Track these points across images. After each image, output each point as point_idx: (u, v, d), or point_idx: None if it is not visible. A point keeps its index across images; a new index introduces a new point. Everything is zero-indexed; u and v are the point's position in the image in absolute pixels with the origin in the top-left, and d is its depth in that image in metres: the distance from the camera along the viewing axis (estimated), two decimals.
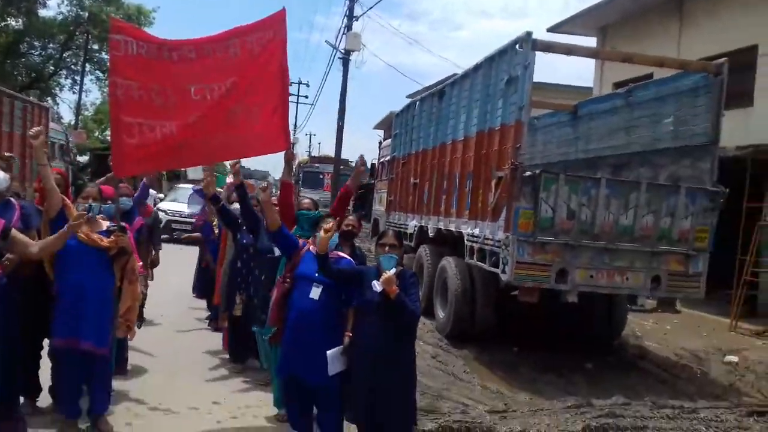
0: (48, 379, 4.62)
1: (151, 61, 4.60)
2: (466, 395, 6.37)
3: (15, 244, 3.72)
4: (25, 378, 4.46)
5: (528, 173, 6.98)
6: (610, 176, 7.73)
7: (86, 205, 4.33)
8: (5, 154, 8.49)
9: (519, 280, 6.99)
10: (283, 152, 5.17)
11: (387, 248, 4.04)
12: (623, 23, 15.97)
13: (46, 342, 4.56)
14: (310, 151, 57.80)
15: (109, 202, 4.68)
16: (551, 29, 17.22)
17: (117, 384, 5.13)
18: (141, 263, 4.87)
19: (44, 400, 4.73)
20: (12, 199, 4.31)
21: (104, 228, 4.41)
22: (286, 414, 4.66)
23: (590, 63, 16.76)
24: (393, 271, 3.88)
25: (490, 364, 7.79)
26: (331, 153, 24.94)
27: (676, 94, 8.36)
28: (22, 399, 4.43)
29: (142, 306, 5.37)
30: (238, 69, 4.84)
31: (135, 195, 5.94)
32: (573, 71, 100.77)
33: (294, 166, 36.92)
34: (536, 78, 7.08)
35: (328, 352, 4.11)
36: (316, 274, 4.26)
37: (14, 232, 3.74)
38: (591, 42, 17.30)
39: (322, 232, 4.09)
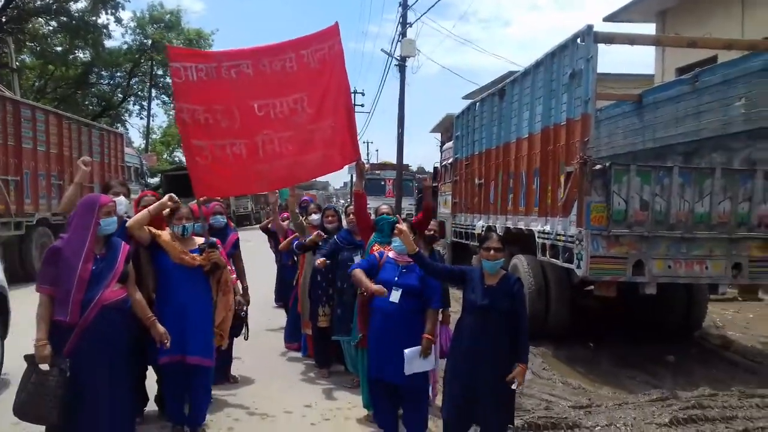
0: (153, 389, 4.91)
1: (211, 81, 4.75)
2: (548, 392, 6.39)
3: (128, 275, 3.91)
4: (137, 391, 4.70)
5: (598, 166, 6.97)
6: (681, 164, 7.60)
7: (180, 226, 4.60)
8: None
9: (595, 274, 6.95)
10: (354, 163, 5.34)
11: (492, 252, 4.01)
12: (683, 6, 15.56)
13: None
14: (368, 159, 58.44)
15: (199, 221, 4.97)
16: (607, 18, 16.94)
17: (216, 391, 5.45)
18: (235, 275, 5.11)
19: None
20: (128, 220, 4.59)
21: (196, 246, 4.67)
22: (373, 414, 4.85)
23: (650, 49, 16.35)
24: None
25: (568, 360, 7.78)
26: (390, 159, 25.21)
27: (746, 76, 8.15)
28: None
29: (246, 316, 5.61)
30: (299, 84, 5.02)
31: None
32: (632, 58, 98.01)
33: (354, 175, 37.56)
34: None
35: (406, 351, 4.24)
36: (396, 279, 4.43)
37: (130, 266, 3.95)
38: (650, 28, 16.93)
39: (396, 233, 4.21)
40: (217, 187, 5.04)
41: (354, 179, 5.62)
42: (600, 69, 7.09)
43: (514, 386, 3.85)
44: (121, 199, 4.40)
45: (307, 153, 5.07)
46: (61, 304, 3.52)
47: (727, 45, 7.67)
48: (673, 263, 6.98)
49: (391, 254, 4.62)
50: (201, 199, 4.90)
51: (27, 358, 3.54)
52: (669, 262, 6.98)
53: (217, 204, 6.06)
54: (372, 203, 6.70)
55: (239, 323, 5.43)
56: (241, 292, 5.50)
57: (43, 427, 3.69)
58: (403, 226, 4.22)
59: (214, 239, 4.85)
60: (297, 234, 6.86)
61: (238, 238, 6.01)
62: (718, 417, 5.43)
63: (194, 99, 4.75)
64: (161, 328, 4.00)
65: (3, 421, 4.40)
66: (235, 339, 5.73)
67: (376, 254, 4.68)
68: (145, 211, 4.38)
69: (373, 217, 5.34)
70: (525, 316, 4.09)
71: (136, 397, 4.59)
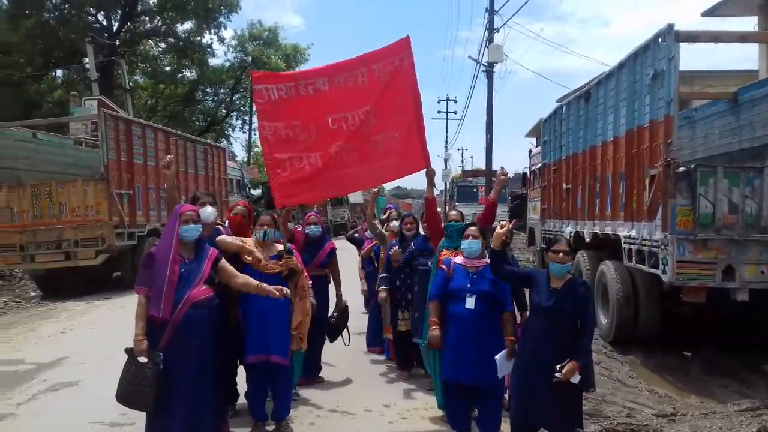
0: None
1: (291, 100, 5.19)
2: (632, 400, 6.30)
3: (223, 272, 4.30)
4: (227, 386, 5.09)
5: (682, 168, 6.80)
6: None
7: (261, 232, 4.98)
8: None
9: (681, 280, 6.78)
10: (425, 170, 5.54)
11: (561, 254, 4.11)
12: None
13: None
14: (462, 166, 58.25)
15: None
16: (706, 13, 16.17)
17: (302, 390, 5.85)
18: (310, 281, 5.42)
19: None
20: (221, 227, 5.04)
21: (276, 252, 5.02)
22: (446, 415, 5.00)
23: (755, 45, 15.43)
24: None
25: (657, 368, 7.59)
26: (483, 166, 25.15)
27: None
28: None
29: (345, 323, 6.10)
30: (369, 97, 5.31)
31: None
32: (743, 54, 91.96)
33: (447, 182, 37.43)
34: (698, 66, 6.92)
35: (497, 356, 4.37)
36: (469, 285, 4.58)
37: (223, 261, 4.35)
38: (751, 23, 16.01)
39: (498, 228, 4.34)
40: (295, 196, 5.39)
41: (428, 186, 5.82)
42: (705, 66, 6.94)
43: (558, 375, 3.88)
44: (207, 208, 4.77)
45: (372, 162, 5.35)
46: (154, 302, 3.94)
47: None
48: (766, 268, 6.69)
49: (458, 260, 4.76)
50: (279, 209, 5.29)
51: (127, 351, 3.98)
52: (762, 267, 6.70)
53: (312, 214, 6.31)
54: (465, 210, 6.90)
55: (336, 330, 5.99)
56: (313, 300, 5.71)
57: (144, 414, 4.10)
58: (476, 231, 4.59)
59: (290, 245, 5.17)
60: (377, 242, 7.13)
61: (334, 248, 6.24)
62: None
63: (275, 117, 5.20)
64: (269, 287, 4.35)
65: (113, 413, 4.89)
66: (325, 344, 6.07)
67: (444, 266, 4.82)
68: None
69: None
70: (591, 319, 4.13)
71: (224, 390, 4.97)
